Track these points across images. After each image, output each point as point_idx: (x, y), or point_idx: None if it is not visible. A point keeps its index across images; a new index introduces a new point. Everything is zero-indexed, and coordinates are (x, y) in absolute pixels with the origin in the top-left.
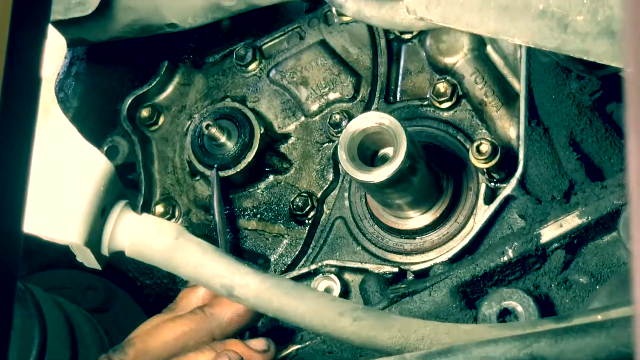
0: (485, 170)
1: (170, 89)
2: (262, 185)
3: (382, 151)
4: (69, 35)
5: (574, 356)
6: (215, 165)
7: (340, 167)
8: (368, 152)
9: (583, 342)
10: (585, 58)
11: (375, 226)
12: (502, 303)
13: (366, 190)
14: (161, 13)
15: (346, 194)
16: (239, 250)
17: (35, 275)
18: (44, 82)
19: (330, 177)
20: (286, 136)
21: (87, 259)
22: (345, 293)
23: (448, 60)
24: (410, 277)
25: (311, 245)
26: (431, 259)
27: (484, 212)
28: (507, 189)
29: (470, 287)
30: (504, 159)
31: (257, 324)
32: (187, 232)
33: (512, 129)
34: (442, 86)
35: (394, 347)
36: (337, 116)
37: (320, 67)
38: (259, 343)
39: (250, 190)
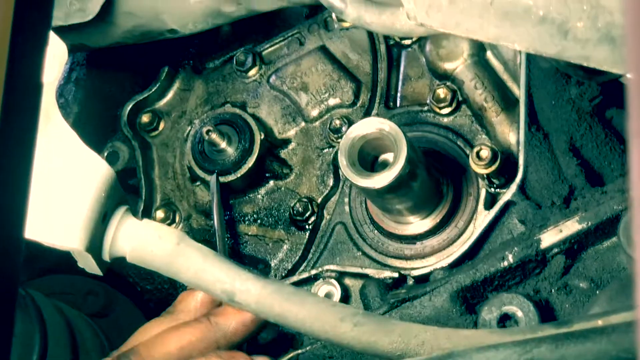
0: (485, 175)
1: (170, 95)
2: (263, 190)
3: (383, 157)
4: (70, 41)
5: None
6: (216, 172)
7: (340, 173)
8: (368, 158)
9: (584, 347)
10: (585, 64)
11: (376, 231)
12: (502, 308)
13: (366, 196)
14: (161, 19)
15: (346, 199)
16: (239, 255)
17: (35, 280)
18: (45, 88)
19: (331, 182)
20: (286, 142)
21: (89, 264)
22: (345, 298)
23: (448, 66)
24: (410, 282)
25: (311, 251)
26: (431, 264)
27: (484, 218)
28: (507, 194)
29: (470, 292)
30: (504, 165)
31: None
32: (188, 237)
33: (512, 135)
34: (442, 92)
35: (395, 352)
36: (337, 122)
37: (320, 72)
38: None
39: (251, 195)
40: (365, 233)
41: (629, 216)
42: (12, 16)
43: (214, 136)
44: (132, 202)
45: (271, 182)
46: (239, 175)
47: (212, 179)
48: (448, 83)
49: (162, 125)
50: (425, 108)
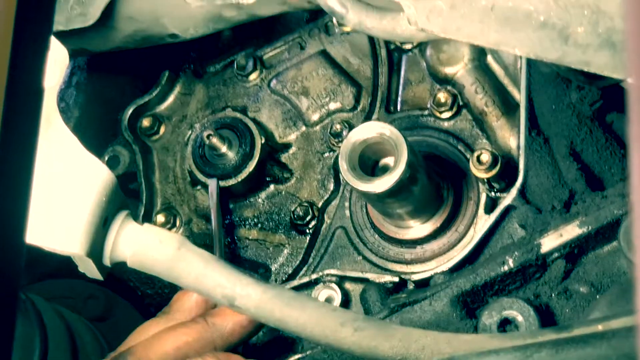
0: (485, 180)
1: (171, 99)
2: (263, 194)
3: (383, 161)
4: (71, 46)
5: None
6: (216, 178)
7: (341, 177)
8: (369, 162)
9: (584, 352)
10: (586, 70)
11: (376, 235)
12: (503, 312)
13: (367, 200)
14: (162, 23)
15: (347, 204)
16: (239, 259)
17: (36, 284)
18: (46, 93)
19: (331, 186)
20: (287, 146)
21: (89, 269)
22: (346, 302)
23: (448, 70)
24: (410, 286)
25: (312, 255)
26: (432, 269)
27: (484, 222)
28: (508, 198)
29: (470, 296)
30: (505, 169)
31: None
32: (188, 242)
33: (513, 139)
34: (442, 96)
35: (395, 357)
36: (338, 126)
37: (321, 77)
38: None
39: (251, 199)
40: (366, 237)
41: (629, 221)
42: (13, 22)
43: (215, 140)
44: (133, 206)
45: (272, 186)
46: (239, 179)
47: (211, 184)
48: (449, 87)
49: (162, 130)
50: (426, 112)
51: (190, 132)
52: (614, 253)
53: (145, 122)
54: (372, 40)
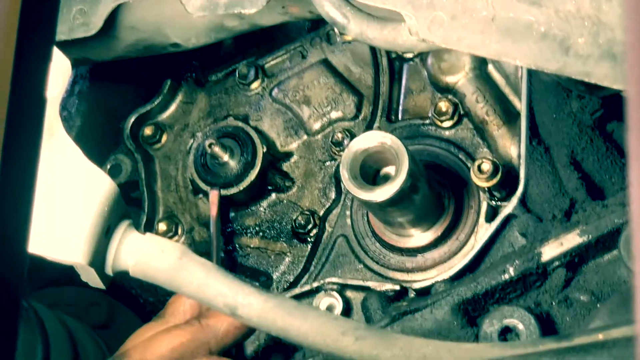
0: (486, 188)
1: (173, 108)
2: (265, 203)
3: (384, 170)
4: (73, 55)
5: None
6: (218, 187)
7: (342, 186)
8: (370, 171)
9: None
10: (586, 80)
11: (377, 244)
12: (503, 321)
13: (368, 209)
14: (164, 33)
15: (348, 212)
16: (241, 267)
17: (38, 292)
18: (49, 103)
19: (333, 195)
20: (288, 155)
21: (92, 278)
22: (347, 310)
23: (449, 79)
24: (411, 294)
25: (313, 263)
26: (432, 277)
27: (485, 230)
28: (508, 207)
29: (471, 304)
30: (505, 178)
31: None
32: (190, 251)
33: (513, 148)
34: (443, 105)
35: None
36: (339, 135)
37: (322, 85)
38: None
39: (253, 208)
40: (367, 246)
41: (629, 229)
42: (16, 32)
43: (217, 149)
44: (135, 214)
45: (273, 195)
46: (241, 188)
47: (211, 195)
48: (450, 96)
49: (164, 138)
50: (427, 121)
51: (192, 140)
52: (615, 262)
53: (147, 131)
54: (373, 49)
